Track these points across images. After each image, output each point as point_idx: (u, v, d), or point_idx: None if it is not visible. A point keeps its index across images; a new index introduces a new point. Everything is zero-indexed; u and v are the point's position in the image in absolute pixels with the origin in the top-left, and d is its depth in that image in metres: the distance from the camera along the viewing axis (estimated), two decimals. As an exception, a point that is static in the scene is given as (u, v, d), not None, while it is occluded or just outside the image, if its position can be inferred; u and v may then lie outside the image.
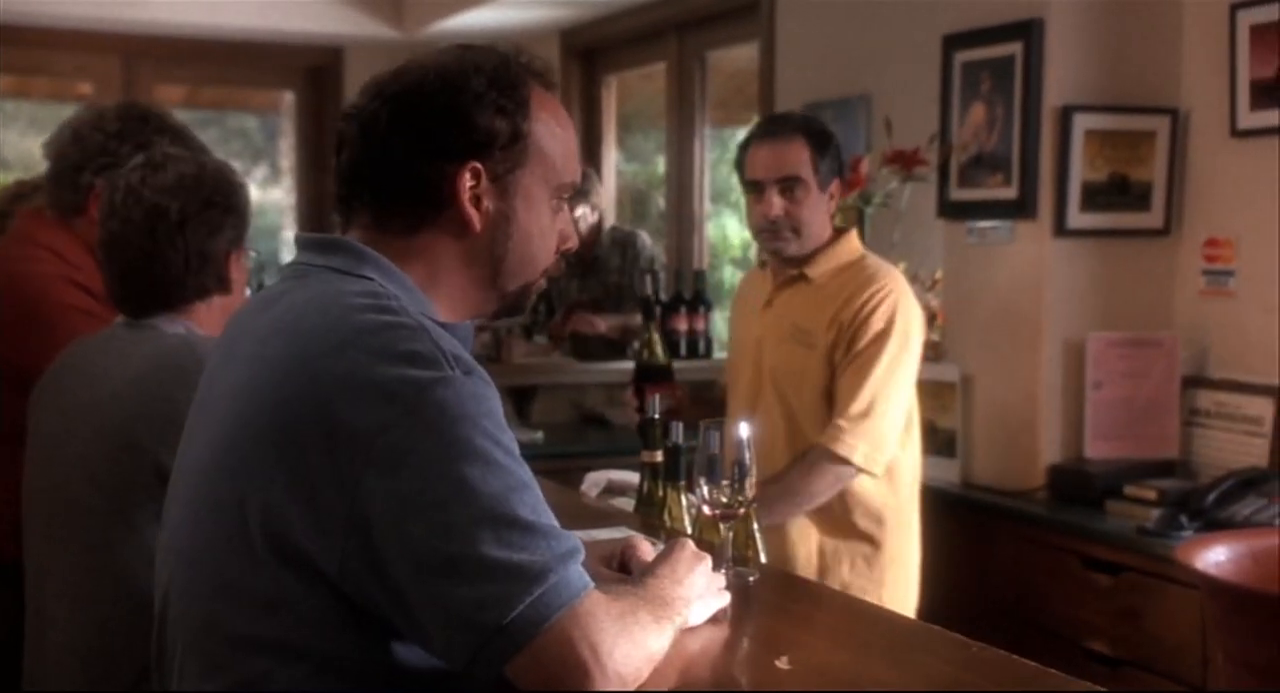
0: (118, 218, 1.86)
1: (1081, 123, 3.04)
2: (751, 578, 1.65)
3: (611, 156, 5.81)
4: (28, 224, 2.35)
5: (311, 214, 6.47)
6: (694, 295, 4.31)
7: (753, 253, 4.81)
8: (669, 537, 1.80)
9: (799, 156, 2.54)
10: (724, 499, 1.63)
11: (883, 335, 2.50)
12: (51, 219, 2.32)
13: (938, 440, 3.16)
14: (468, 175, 1.33)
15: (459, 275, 1.37)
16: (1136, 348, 3.09)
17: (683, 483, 1.97)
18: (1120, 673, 2.71)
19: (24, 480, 1.94)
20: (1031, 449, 3.10)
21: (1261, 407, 2.89)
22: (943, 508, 2.97)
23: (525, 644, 1.15)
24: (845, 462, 2.46)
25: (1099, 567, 2.79)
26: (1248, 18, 2.90)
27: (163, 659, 1.36)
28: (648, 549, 1.50)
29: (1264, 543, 2.13)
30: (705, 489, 1.63)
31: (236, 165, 2.06)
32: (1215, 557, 2.04)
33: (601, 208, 4.49)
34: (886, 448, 2.50)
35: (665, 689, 1.25)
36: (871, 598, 2.52)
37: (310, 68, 6.63)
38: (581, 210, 4.33)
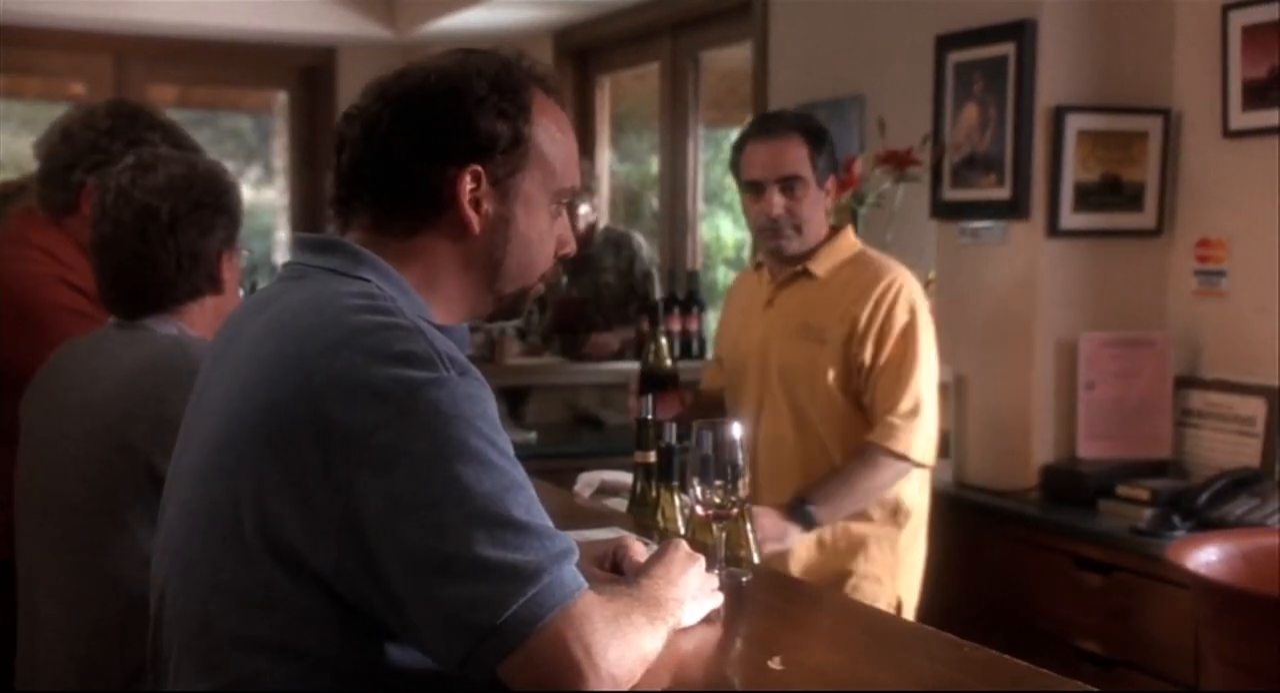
0: (109, 219, 1.86)
1: (1074, 123, 3.05)
2: (744, 579, 1.65)
3: (605, 157, 5.81)
4: (20, 224, 2.35)
5: (305, 214, 6.47)
6: (687, 296, 4.31)
7: (746, 253, 4.81)
8: (662, 537, 1.80)
9: (797, 154, 2.54)
10: (717, 500, 1.63)
11: (910, 328, 2.53)
12: (43, 219, 2.31)
13: (931, 440, 3.16)
14: (468, 178, 1.33)
15: (457, 278, 1.37)
16: (1129, 348, 3.10)
17: (676, 483, 1.98)
18: (1112, 673, 2.71)
19: (16, 481, 1.94)
20: (1024, 449, 3.10)
21: (1254, 407, 2.89)
22: (936, 508, 2.97)
23: (519, 644, 1.15)
24: (904, 457, 2.49)
25: (1091, 567, 2.79)
26: (1240, 18, 2.90)
27: (158, 659, 1.36)
28: (640, 550, 1.51)
29: (1255, 543, 2.14)
30: (698, 490, 1.63)
31: (229, 166, 2.06)
32: (1206, 557, 2.04)
33: (598, 206, 4.50)
34: (935, 438, 2.55)
35: (658, 690, 1.25)
36: (886, 588, 2.56)
37: (303, 68, 6.62)
38: (584, 209, 4.33)
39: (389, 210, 1.35)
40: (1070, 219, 3.07)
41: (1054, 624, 2.86)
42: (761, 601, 1.63)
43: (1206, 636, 2.13)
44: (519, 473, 1.21)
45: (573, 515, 1.90)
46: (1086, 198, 3.08)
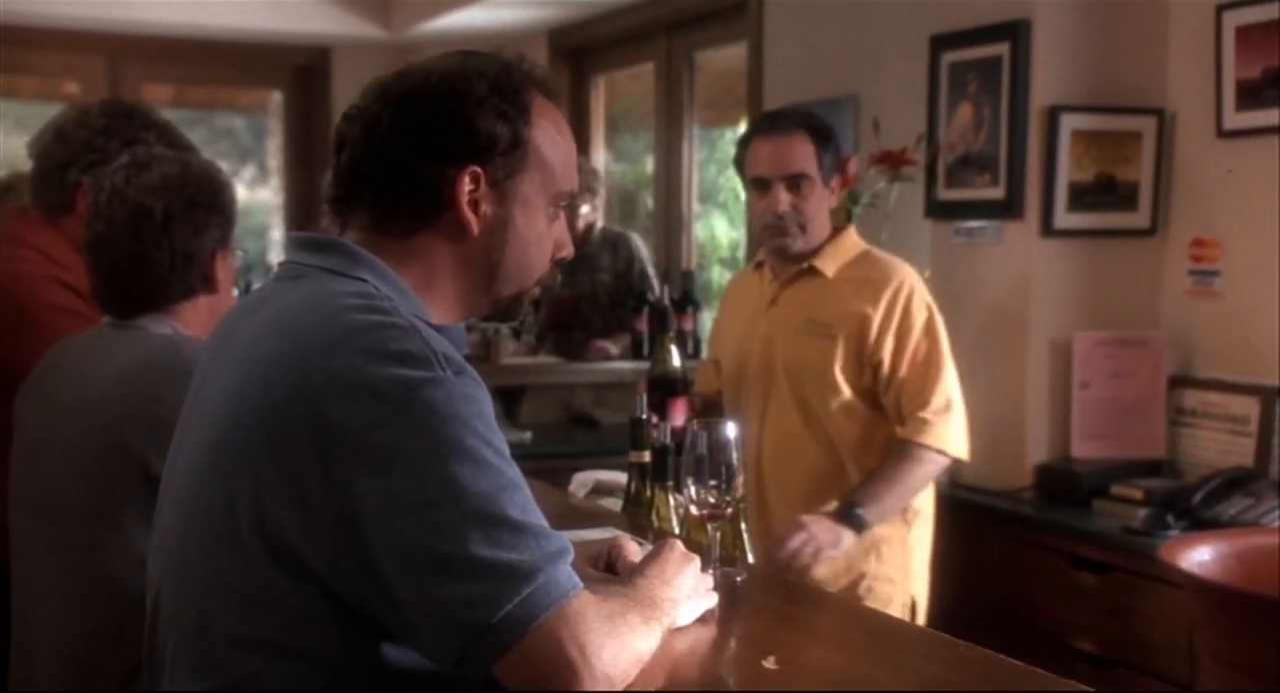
0: (102, 219, 1.85)
1: (1068, 123, 3.05)
2: (739, 578, 1.65)
3: (600, 157, 5.82)
4: (15, 224, 2.34)
5: (299, 214, 6.46)
6: (682, 296, 4.31)
7: (741, 253, 4.81)
8: (657, 537, 1.80)
9: (804, 152, 2.54)
10: (711, 500, 1.63)
11: (931, 324, 2.54)
12: (38, 218, 2.31)
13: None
14: (467, 179, 1.33)
15: (454, 279, 1.37)
16: (1123, 348, 3.10)
17: (670, 483, 1.98)
18: (1108, 672, 2.71)
19: (9, 481, 1.93)
20: (1019, 449, 3.11)
21: (1247, 406, 2.90)
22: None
23: (514, 644, 1.15)
24: (942, 452, 2.50)
25: (1086, 566, 2.80)
26: (1233, 18, 2.91)
27: (154, 659, 1.36)
28: (634, 549, 1.51)
29: (1248, 543, 2.14)
30: (693, 490, 1.63)
31: (224, 165, 2.05)
32: (1200, 556, 2.05)
33: (599, 208, 4.50)
34: (966, 432, 2.56)
35: (653, 690, 1.25)
36: (899, 588, 2.55)
37: (298, 67, 6.62)
38: (585, 209, 4.33)
39: (388, 210, 1.35)
40: (1064, 219, 3.08)
41: (1049, 624, 2.86)
42: (756, 600, 1.63)
43: (1201, 635, 2.13)
44: (515, 473, 1.21)
45: (567, 515, 1.90)
46: (1081, 198, 3.08)
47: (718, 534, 1.65)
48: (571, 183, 1.42)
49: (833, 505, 2.48)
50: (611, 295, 4.45)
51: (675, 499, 1.96)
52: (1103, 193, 3.10)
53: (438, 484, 1.16)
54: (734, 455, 1.62)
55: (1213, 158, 3.03)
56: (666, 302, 2.76)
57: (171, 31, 6.03)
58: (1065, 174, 3.06)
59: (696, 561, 1.45)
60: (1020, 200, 3.07)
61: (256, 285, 2.77)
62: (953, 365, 2.56)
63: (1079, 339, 3.10)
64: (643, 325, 4.24)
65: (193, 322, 1.88)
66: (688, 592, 1.40)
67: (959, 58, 3.21)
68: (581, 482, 2.35)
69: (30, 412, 1.92)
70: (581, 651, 1.17)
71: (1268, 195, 2.90)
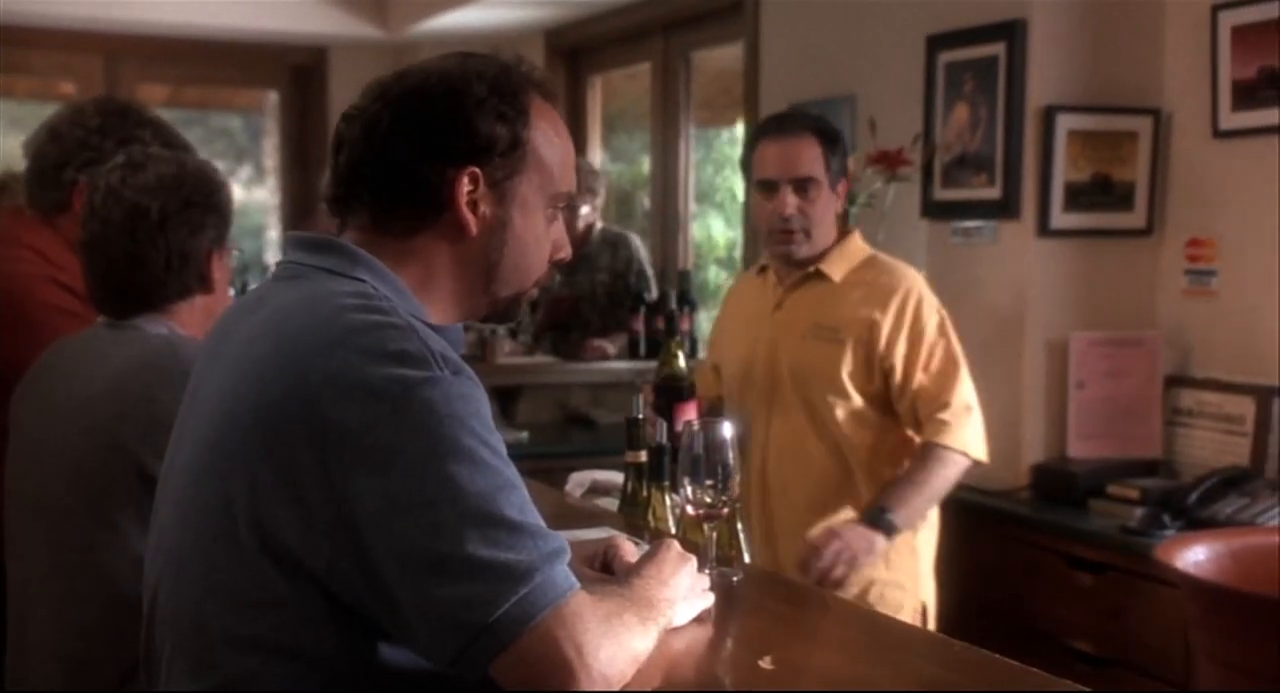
0: (98, 219, 1.85)
1: (1064, 123, 3.06)
2: (735, 578, 1.65)
3: (596, 157, 5.81)
4: (10, 224, 2.34)
5: (296, 213, 6.46)
6: (678, 296, 4.31)
7: (738, 253, 4.81)
8: (653, 537, 1.80)
9: (812, 154, 2.52)
10: (708, 499, 1.63)
11: (943, 328, 2.54)
12: (33, 218, 2.31)
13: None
14: (466, 180, 1.33)
15: (452, 280, 1.37)
16: (1119, 347, 3.10)
17: (666, 483, 1.97)
18: (1104, 672, 2.72)
19: (5, 481, 1.93)
20: (1015, 449, 3.11)
21: (1243, 406, 2.90)
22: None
23: (510, 643, 1.15)
24: (964, 454, 2.49)
25: (1082, 566, 2.80)
26: (1229, 19, 2.91)
27: (151, 659, 1.36)
28: (630, 549, 1.51)
29: (1244, 542, 2.14)
30: (689, 489, 1.63)
31: (220, 165, 2.05)
32: (1195, 556, 2.05)
33: (599, 208, 4.49)
34: (984, 434, 2.55)
35: (650, 690, 1.25)
36: (909, 594, 2.54)
37: (294, 67, 6.61)
38: (585, 209, 4.33)
39: (387, 210, 1.35)
40: (1061, 219, 3.08)
41: (1045, 624, 2.86)
42: (752, 600, 1.63)
43: (1196, 635, 2.14)
44: (512, 473, 1.21)
45: (564, 515, 1.90)
46: (1077, 198, 3.09)
47: (714, 534, 1.65)
48: (569, 184, 1.42)
49: (848, 513, 2.46)
50: (610, 295, 4.45)
51: (672, 499, 1.96)
52: (1099, 193, 3.10)
53: (435, 484, 1.16)
54: (730, 455, 1.62)
55: (1208, 158, 3.03)
56: (673, 305, 2.69)
57: (168, 31, 6.03)
58: (1061, 174, 3.06)
59: (693, 561, 1.45)
60: (1016, 200, 3.07)
61: (253, 285, 2.77)
62: (967, 369, 2.55)
63: (1075, 339, 3.10)
64: (639, 325, 4.24)
65: (188, 322, 1.88)
66: (684, 592, 1.40)
67: (955, 58, 3.21)
68: (578, 482, 2.34)
69: (26, 412, 1.92)
70: (578, 651, 1.17)
71: (1264, 195, 2.90)
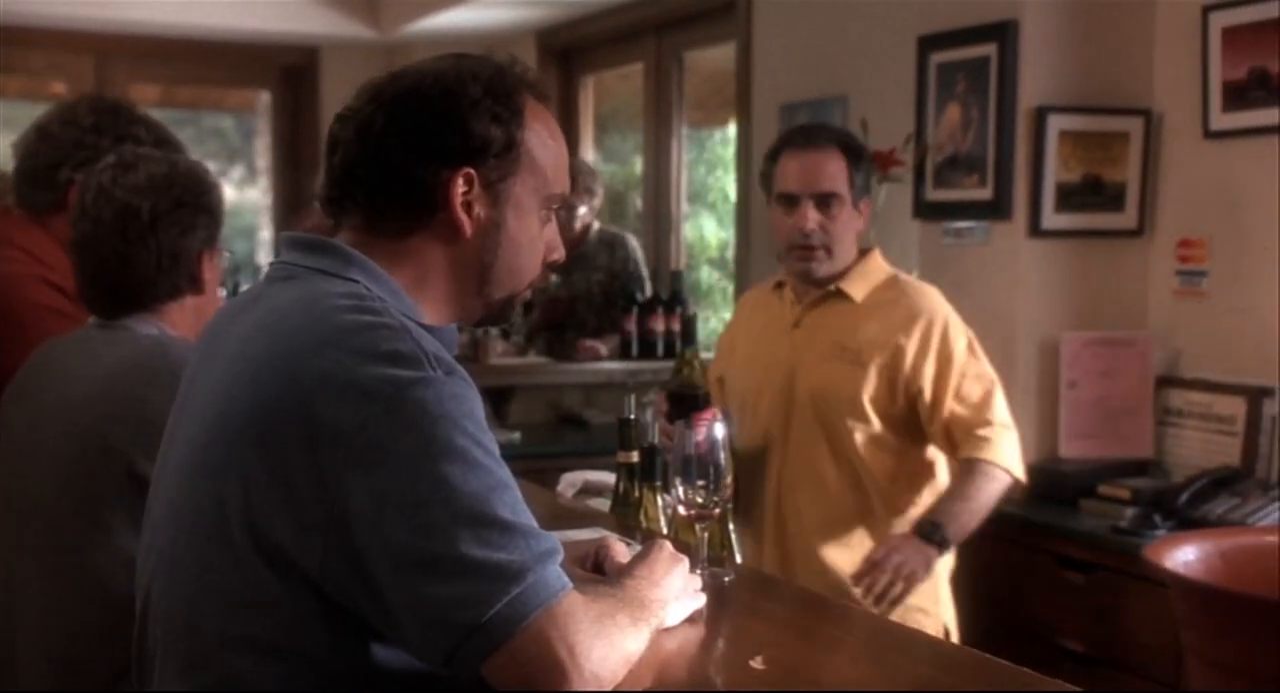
0: (88, 218, 1.85)
1: (1056, 124, 3.06)
2: (727, 579, 1.65)
3: (588, 157, 5.81)
4: (1, 224, 2.34)
5: (287, 214, 6.45)
6: (671, 296, 4.31)
7: (730, 253, 4.81)
8: (645, 537, 1.80)
9: (836, 169, 2.45)
10: (699, 500, 1.63)
11: (972, 348, 2.48)
12: (24, 218, 2.30)
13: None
14: (461, 181, 1.34)
15: (446, 281, 1.37)
16: (1110, 348, 3.11)
17: (658, 483, 1.97)
18: (1095, 672, 2.72)
19: (-4, 482, 1.93)
20: (1007, 449, 3.10)
21: (1234, 406, 2.91)
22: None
23: (502, 643, 1.15)
24: (1008, 471, 2.43)
25: (1074, 566, 2.80)
26: (1220, 19, 2.92)
27: (143, 659, 1.36)
28: (621, 550, 1.51)
29: (1233, 542, 2.15)
30: (681, 490, 1.63)
31: (212, 165, 2.05)
32: (1184, 556, 2.05)
33: (597, 209, 4.49)
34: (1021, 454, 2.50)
35: (641, 690, 1.25)
36: (932, 618, 2.46)
37: (286, 67, 6.60)
38: (583, 209, 4.33)
39: (381, 211, 1.35)
40: (1052, 219, 3.09)
41: (1036, 623, 2.86)
42: (744, 601, 1.64)
43: (1186, 635, 2.14)
44: (504, 473, 1.21)
45: (555, 516, 1.90)
46: (1068, 198, 3.09)
47: (705, 535, 1.65)
48: (563, 186, 1.43)
49: (862, 538, 2.40)
50: (606, 295, 4.45)
51: (663, 500, 1.96)
52: (1090, 193, 3.11)
53: (428, 484, 1.16)
54: (722, 456, 1.63)
55: (1199, 158, 3.04)
56: (692, 311, 2.55)
57: (159, 31, 6.01)
58: (1053, 174, 3.07)
59: (685, 561, 1.45)
60: (1008, 201, 3.08)
61: (245, 286, 2.76)
62: (1001, 388, 2.50)
63: (1066, 339, 3.11)
64: (631, 325, 4.24)
65: (179, 322, 1.88)
66: (676, 592, 1.40)
67: (947, 58, 3.21)
68: (570, 482, 2.35)
69: (16, 411, 1.92)
70: (570, 651, 1.17)
71: (1255, 196, 2.91)
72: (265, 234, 6.76)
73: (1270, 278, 2.88)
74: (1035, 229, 3.08)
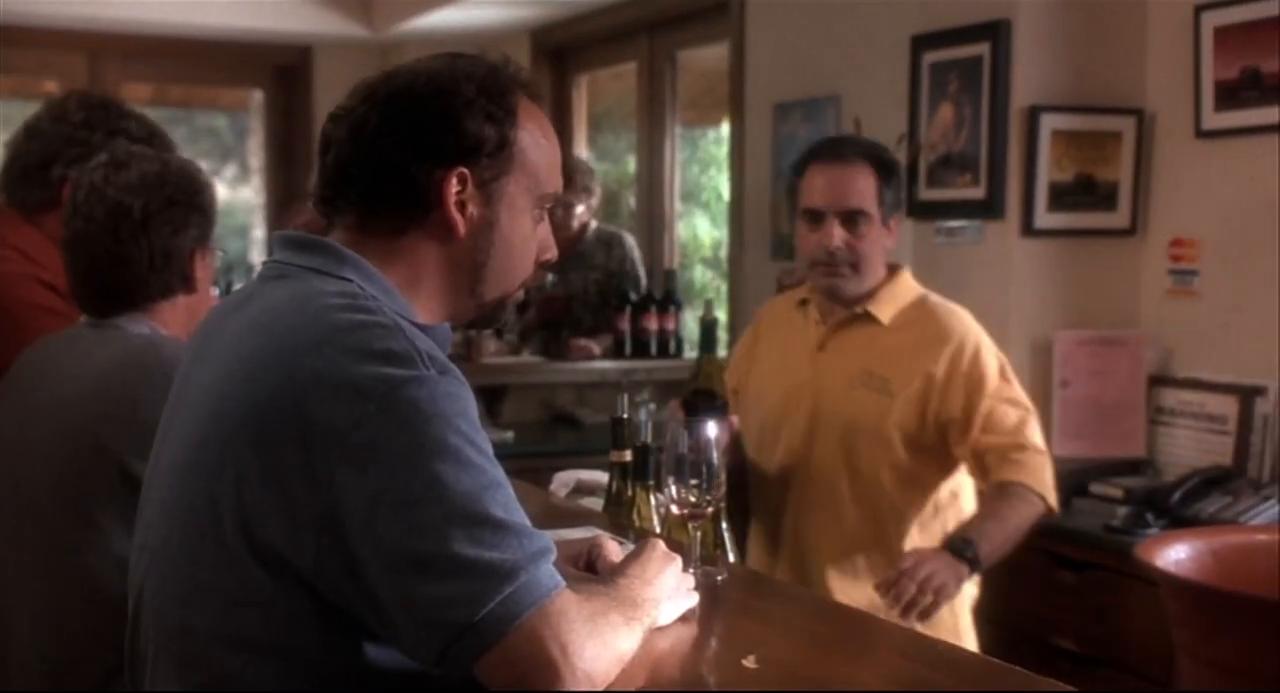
0: (80, 216, 1.85)
1: (1048, 123, 3.07)
2: (719, 578, 1.65)
3: (582, 156, 5.81)
4: (-7, 223, 2.33)
5: (281, 213, 6.44)
6: (664, 295, 4.31)
7: (724, 252, 4.81)
8: (638, 536, 1.80)
9: (865, 186, 2.33)
10: (692, 499, 1.63)
11: (1004, 372, 2.37)
12: (15, 217, 2.30)
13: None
14: (454, 180, 1.34)
15: (440, 280, 1.38)
16: (1103, 347, 3.11)
17: (651, 483, 1.98)
18: (1088, 670, 2.73)
19: (-13, 481, 1.92)
20: (999, 448, 3.11)
21: (1226, 405, 2.91)
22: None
23: (495, 642, 1.15)
24: (1042, 497, 2.32)
25: (1066, 564, 2.81)
26: (1212, 19, 2.93)
27: (136, 659, 1.36)
28: (614, 549, 1.51)
29: (1224, 540, 2.15)
30: (674, 489, 1.63)
31: (205, 164, 2.05)
32: (1176, 555, 2.05)
33: (594, 208, 4.48)
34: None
35: (634, 689, 1.25)
36: (950, 633, 2.33)
37: (279, 66, 6.59)
38: (580, 207, 4.32)
39: (374, 210, 1.35)
40: (1045, 219, 3.09)
41: (1029, 622, 2.87)
42: (736, 600, 1.64)
43: (1177, 633, 2.14)
44: (497, 472, 1.21)
45: (548, 515, 1.90)
46: (1061, 197, 3.10)
47: (699, 534, 1.65)
48: (556, 185, 1.43)
49: (878, 570, 2.29)
50: (603, 294, 4.45)
51: (656, 499, 1.96)
52: (1082, 193, 3.12)
53: (421, 483, 1.16)
54: (715, 455, 1.63)
55: (1191, 158, 3.05)
56: (713, 316, 2.44)
57: (152, 30, 6.00)
58: (1045, 174, 3.07)
59: (678, 560, 1.45)
60: (1001, 200, 3.08)
61: (237, 285, 2.75)
62: (1036, 414, 2.41)
63: (1059, 338, 3.11)
64: (624, 324, 4.24)
65: (171, 321, 1.87)
66: (669, 591, 1.40)
67: (940, 58, 3.22)
68: (563, 481, 2.34)
69: (7, 411, 1.91)
70: (563, 650, 1.17)
71: (1246, 195, 2.92)
72: (258, 233, 6.75)
73: (1262, 277, 2.88)
74: (1028, 228, 3.09)
